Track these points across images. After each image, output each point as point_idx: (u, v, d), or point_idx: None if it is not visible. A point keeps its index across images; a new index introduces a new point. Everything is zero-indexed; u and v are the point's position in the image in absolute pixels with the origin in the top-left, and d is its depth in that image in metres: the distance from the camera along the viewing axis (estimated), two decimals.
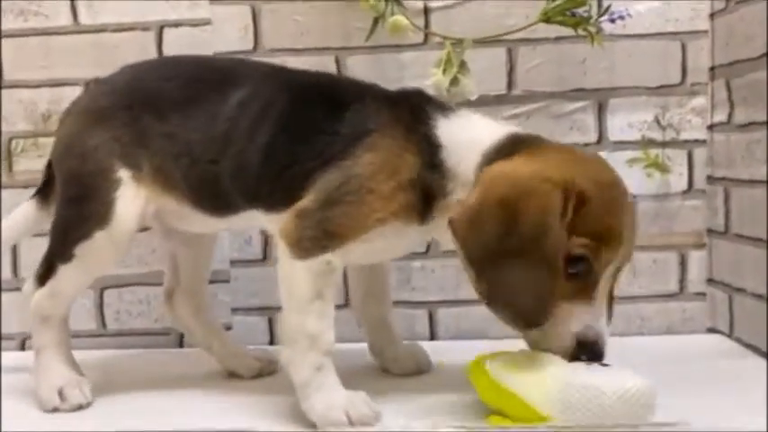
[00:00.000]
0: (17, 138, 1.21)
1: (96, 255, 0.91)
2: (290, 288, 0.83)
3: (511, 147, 0.83)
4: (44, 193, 1.00)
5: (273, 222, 0.88)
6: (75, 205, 0.92)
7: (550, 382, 0.75)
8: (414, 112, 0.87)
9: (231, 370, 1.05)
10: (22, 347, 1.23)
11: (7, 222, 1.01)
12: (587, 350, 0.78)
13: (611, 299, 0.83)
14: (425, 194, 0.84)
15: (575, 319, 0.78)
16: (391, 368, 1.02)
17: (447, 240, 0.82)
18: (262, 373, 1.04)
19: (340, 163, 0.84)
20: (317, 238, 0.82)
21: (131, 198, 0.91)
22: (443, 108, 0.89)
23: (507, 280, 0.76)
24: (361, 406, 0.81)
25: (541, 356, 0.79)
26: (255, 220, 0.92)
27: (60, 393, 0.91)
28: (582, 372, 0.76)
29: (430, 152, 0.85)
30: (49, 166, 0.99)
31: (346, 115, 0.86)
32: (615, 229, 0.78)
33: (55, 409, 0.91)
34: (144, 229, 0.99)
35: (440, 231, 0.85)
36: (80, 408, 0.91)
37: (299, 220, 0.83)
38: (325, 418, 0.80)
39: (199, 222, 0.95)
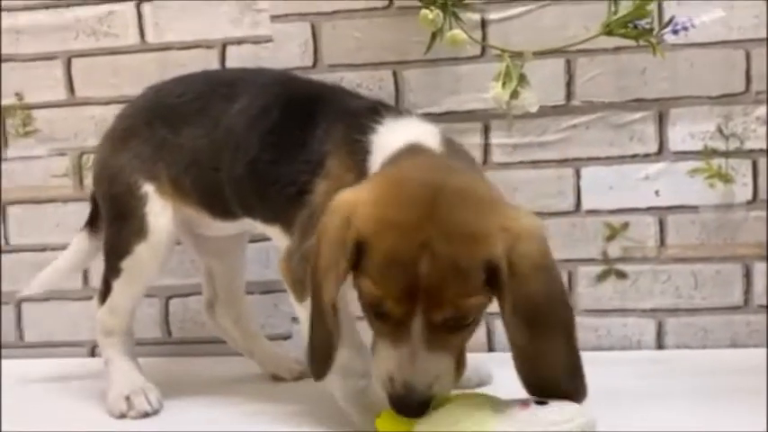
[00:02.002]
0: (87, 153, 1.26)
1: (140, 267, 0.97)
2: (304, 327, 0.83)
3: (396, 159, 0.79)
4: (93, 223, 1.06)
5: (269, 232, 0.93)
6: (115, 225, 0.98)
7: None
8: (364, 123, 0.85)
9: (273, 373, 1.10)
10: (92, 354, 1.28)
11: (63, 258, 1.08)
12: (393, 405, 0.72)
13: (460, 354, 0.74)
14: None
15: (380, 367, 0.72)
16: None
17: None
18: (303, 376, 1.09)
19: (307, 197, 0.85)
20: (303, 277, 0.80)
21: (160, 209, 0.96)
22: (394, 114, 0.87)
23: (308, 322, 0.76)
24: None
25: (475, 412, 0.72)
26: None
27: (128, 400, 0.95)
28: (524, 418, 0.70)
29: (363, 162, 0.83)
30: (94, 196, 1.05)
31: (316, 133, 0.87)
32: (395, 275, 0.69)
33: (122, 416, 0.95)
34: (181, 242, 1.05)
35: None
36: (147, 415, 0.95)
37: (287, 262, 0.86)
38: None
39: (215, 227, 1.00)
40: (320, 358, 0.76)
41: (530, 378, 0.74)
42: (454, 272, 0.68)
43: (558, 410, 0.71)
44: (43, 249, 1.28)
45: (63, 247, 1.25)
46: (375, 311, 0.72)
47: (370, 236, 0.69)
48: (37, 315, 1.29)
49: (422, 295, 0.68)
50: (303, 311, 0.84)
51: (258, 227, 0.95)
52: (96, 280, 1.25)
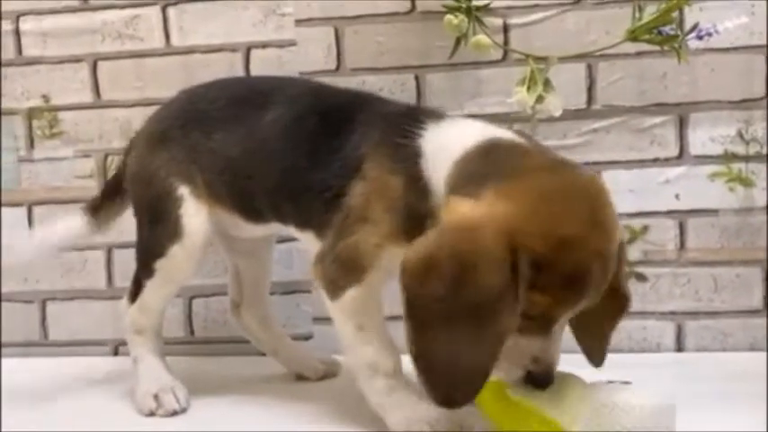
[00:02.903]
0: (112, 154, 1.28)
1: (175, 268, 0.98)
2: (336, 327, 0.87)
3: (483, 158, 0.77)
4: (95, 209, 1.06)
5: (301, 237, 0.94)
6: (150, 226, 0.99)
7: (575, 401, 0.75)
8: (404, 127, 0.84)
9: (298, 373, 1.11)
10: (116, 353, 1.30)
11: (53, 232, 1.06)
12: (536, 381, 0.76)
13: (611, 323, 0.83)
14: (413, 214, 0.81)
15: (525, 354, 0.75)
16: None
17: None
18: (327, 376, 1.10)
19: (342, 200, 0.85)
20: (337, 277, 0.84)
21: (194, 212, 0.97)
22: (436, 116, 0.86)
23: (445, 347, 0.70)
24: (444, 421, 0.82)
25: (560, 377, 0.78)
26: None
27: (156, 399, 0.97)
28: (604, 391, 0.76)
29: (413, 165, 0.82)
30: (108, 186, 1.06)
31: (352, 138, 0.87)
32: (577, 288, 0.71)
33: (151, 413, 0.96)
34: None
35: None
36: (175, 413, 0.96)
37: (321, 263, 0.86)
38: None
39: (247, 229, 1.01)
40: (467, 385, 0.72)
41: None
42: (610, 271, 0.73)
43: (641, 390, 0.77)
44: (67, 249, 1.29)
45: (87, 247, 1.28)
46: (530, 315, 0.72)
47: (547, 253, 0.68)
48: (61, 314, 1.31)
49: (588, 296, 0.72)
50: (337, 311, 0.86)
51: (290, 231, 0.96)
52: (120, 280, 1.28)
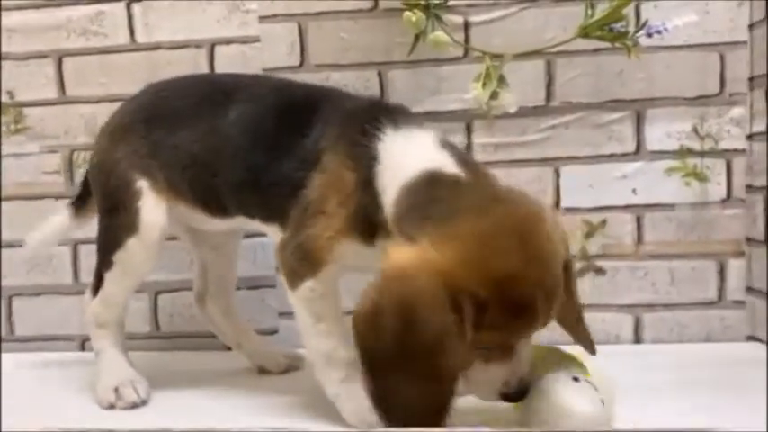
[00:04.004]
0: (78, 150, 1.29)
1: (131, 261, 0.98)
2: (296, 316, 0.90)
3: (425, 192, 0.79)
4: (79, 202, 1.08)
5: (267, 230, 0.95)
6: (108, 217, 1.00)
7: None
8: (364, 125, 0.85)
9: (261, 366, 1.13)
10: (82, 348, 1.30)
11: (41, 231, 1.09)
12: (511, 399, 0.79)
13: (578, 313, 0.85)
14: (365, 213, 0.83)
15: (496, 380, 0.78)
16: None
17: None
18: (289, 369, 1.12)
19: (302, 192, 0.86)
20: (296, 267, 0.87)
21: (153, 206, 0.97)
22: (395, 120, 0.86)
23: (402, 390, 0.72)
24: None
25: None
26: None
27: (116, 392, 0.97)
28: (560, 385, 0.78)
29: (368, 167, 0.83)
30: (86, 180, 1.07)
31: (312, 134, 0.88)
32: (525, 319, 0.74)
33: (111, 407, 0.97)
34: (171, 238, 1.07)
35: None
36: (135, 406, 0.97)
37: (282, 252, 0.88)
38: (362, 422, 0.84)
39: (211, 223, 1.02)
40: (427, 423, 0.73)
41: None
42: (557, 297, 0.76)
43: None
44: None
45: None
46: (488, 348, 0.75)
47: (487, 295, 0.71)
48: (28, 309, 1.31)
49: (538, 323, 0.75)
50: (296, 300, 0.88)
51: (255, 225, 0.97)
52: (86, 275, 1.28)
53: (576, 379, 0.79)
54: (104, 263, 1.00)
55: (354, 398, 0.85)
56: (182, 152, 0.97)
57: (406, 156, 0.82)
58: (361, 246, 0.84)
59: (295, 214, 0.87)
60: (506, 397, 0.78)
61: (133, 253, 0.97)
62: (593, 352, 0.87)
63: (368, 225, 0.83)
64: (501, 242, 0.72)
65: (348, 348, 0.86)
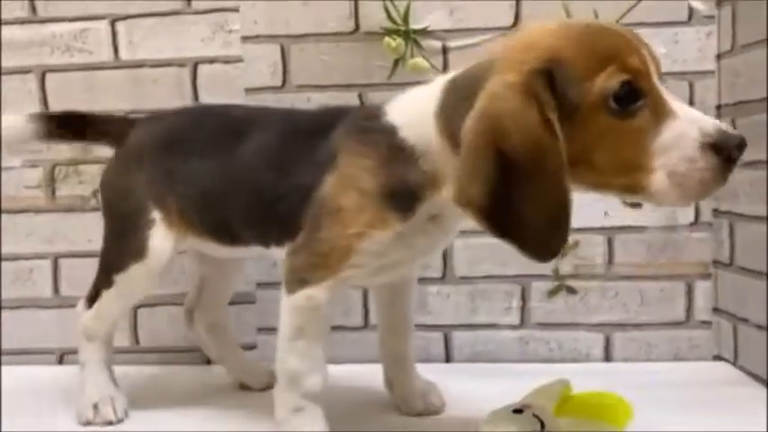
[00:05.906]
0: (59, 165, 1.29)
1: (132, 284, 0.99)
2: (279, 326, 0.86)
3: (455, 91, 0.78)
4: (41, 117, 1.03)
5: (280, 254, 0.92)
6: (116, 239, 1.00)
7: None
8: (366, 115, 0.86)
9: (242, 382, 1.13)
10: (61, 362, 1.31)
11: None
12: (729, 155, 0.70)
13: None
14: (398, 187, 0.80)
15: (686, 136, 0.71)
16: (400, 406, 1.01)
17: (449, 213, 0.82)
18: (270, 386, 1.10)
19: (315, 194, 0.84)
20: (303, 269, 0.84)
21: (162, 237, 0.97)
22: (393, 97, 0.86)
23: (524, 204, 0.69)
24: None
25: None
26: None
27: (95, 408, 0.98)
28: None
29: (388, 142, 0.81)
30: (71, 115, 1.05)
31: (325, 144, 0.86)
32: (621, 40, 0.72)
33: (88, 423, 0.98)
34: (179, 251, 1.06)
35: (439, 207, 0.81)
36: (110, 424, 0.98)
37: (292, 256, 0.86)
38: None
39: (222, 251, 1.01)
40: (556, 228, 0.70)
41: None
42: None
43: None
44: (15, 259, 1.30)
45: (34, 257, 1.29)
46: (625, 110, 0.71)
47: (573, 43, 0.71)
48: (7, 323, 1.31)
49: (641, 48, 0.72)
50: (287, 307, 0.85)
51: (271, 253, 0.94)
52: (66, 289, 1.29)
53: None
54: (104, 281, 1.00)
55: (300, 429, 0.85)
56: (194, 183, 0.96)
57: (421, 94, 0.82)
58: (392, 231, 0.81)
59: (309, 219, 0.84)
60: (719, 151, 0.69)
61: (135, 277, 0.97)
62: None
63: (405, 195, 0.80)
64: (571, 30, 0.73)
65: (317, 378, 0.85)
